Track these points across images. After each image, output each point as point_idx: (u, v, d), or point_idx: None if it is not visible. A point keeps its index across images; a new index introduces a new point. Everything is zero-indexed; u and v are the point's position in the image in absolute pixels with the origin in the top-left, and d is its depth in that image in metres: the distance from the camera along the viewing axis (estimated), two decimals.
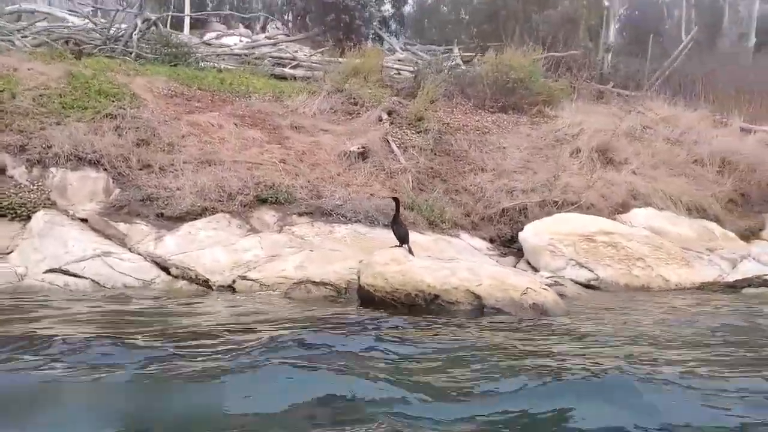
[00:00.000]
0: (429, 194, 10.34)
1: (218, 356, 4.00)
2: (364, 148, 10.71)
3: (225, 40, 18.26)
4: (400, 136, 11.63)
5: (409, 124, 12.09)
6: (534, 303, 5.92)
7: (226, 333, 4.85)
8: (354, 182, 10.20)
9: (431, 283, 6.08)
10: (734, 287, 8.35)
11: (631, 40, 25.21)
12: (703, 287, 8.49)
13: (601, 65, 19.77)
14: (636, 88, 17.41)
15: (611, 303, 7.28)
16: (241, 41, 18.37)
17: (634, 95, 16.20)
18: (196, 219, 8.71)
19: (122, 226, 8.39)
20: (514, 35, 18.44)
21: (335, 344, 4.40)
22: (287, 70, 15.21)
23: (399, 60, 17.90)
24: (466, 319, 5.67)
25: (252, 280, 7.69)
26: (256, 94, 12.62)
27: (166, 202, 8.81)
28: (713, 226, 10.55)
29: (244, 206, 9.13)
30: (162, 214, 8.69)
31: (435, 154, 11.56)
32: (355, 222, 9.20)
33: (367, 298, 6.36)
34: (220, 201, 9.06)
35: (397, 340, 4.69)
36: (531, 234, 9.40)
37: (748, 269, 9.24)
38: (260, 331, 4.94)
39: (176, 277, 7.80)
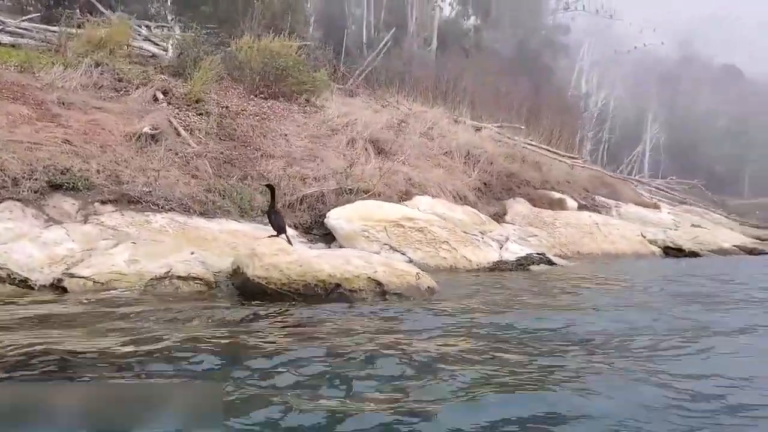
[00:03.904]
0: (227, 180, 9.93)
1: None
2: (157, 129, 9.81)
3: None
4: (183, 119, 10.90)
5: (188, 106, 11.39)
6: (428, 286, 6.24)
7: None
8: (150, 167, 9.30)
9: (331, 273, 6.01)
10: (523, 265, 9.63)
11: (320, 37, 26.70)
12: (497, 266, 9.61)
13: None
14: (341, 82, 18.45)
15: (455, 281, 7.97)
16: None
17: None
18: None
19: None
20: (245, 20, 18.33)
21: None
22: None
23: None
24: (382, 302, 5.81)
25: (83, 277, 6.64)
26: None
27: None
28: (477, 211, 11.91)
29: (35, 192, 7.80)
30: None
31: (221, 138, 11.08)
32: (170, 210, 8.49)
33: (257, 292, 6.02)
34: (3, 187, 7.61)
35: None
36: (343, 221, 9.64)
37: (514, 249, 10.64)
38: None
39: None
